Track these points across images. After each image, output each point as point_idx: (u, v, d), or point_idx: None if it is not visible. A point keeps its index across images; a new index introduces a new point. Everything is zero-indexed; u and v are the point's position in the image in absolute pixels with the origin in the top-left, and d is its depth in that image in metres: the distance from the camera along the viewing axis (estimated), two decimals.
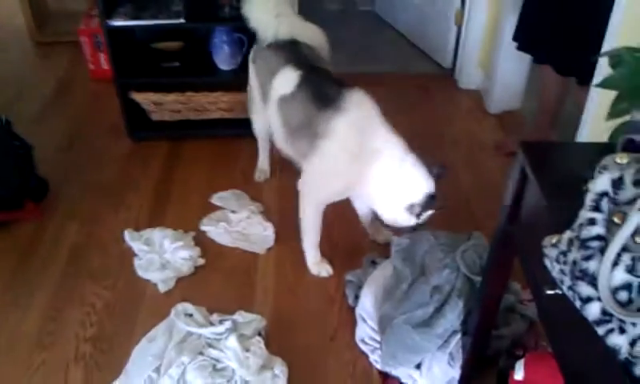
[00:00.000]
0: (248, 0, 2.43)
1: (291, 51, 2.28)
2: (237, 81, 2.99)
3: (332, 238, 2.36)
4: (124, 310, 2.22)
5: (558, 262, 1.11)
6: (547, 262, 1.15)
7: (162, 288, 2.29)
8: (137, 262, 2.38)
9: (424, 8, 3.76)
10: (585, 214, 1.07)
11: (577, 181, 1.30)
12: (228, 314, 2.14)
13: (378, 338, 2.00)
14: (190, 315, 2.12)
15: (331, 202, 2.22)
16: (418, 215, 2.03)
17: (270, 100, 2.27)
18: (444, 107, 3.43)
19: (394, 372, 1.96)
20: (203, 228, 2.55)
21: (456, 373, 1.89)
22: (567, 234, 1.11)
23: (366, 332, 2.05)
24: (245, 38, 2.90)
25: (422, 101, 3.44)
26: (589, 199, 1.07)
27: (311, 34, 2.36)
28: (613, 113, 1.39)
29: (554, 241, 1.15)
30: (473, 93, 3.51)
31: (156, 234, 2.47)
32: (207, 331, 2.05)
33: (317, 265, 2.35)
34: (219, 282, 2.34)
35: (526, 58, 3.00)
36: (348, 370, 2.04)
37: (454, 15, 3.48)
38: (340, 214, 2.32)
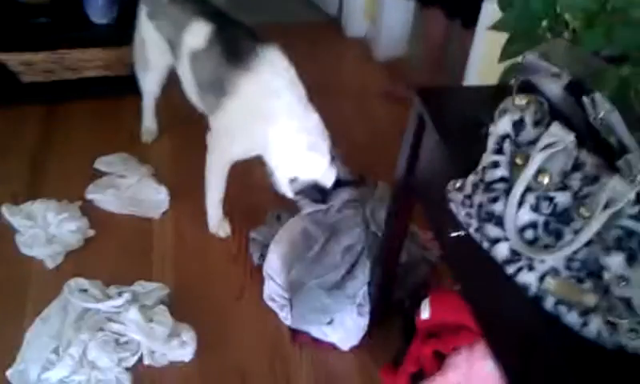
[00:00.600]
0: None
1: (200, 3, 2.15)
2: (114, 35, 2.81)
3: (230, 194, 2.29)
4: (10, 292, 2.05)
5: (463, 205, 1.13)
6: (452, 207, 1.18)
7: (50, 264, 2.14)
8: (19, 239, 2.20)
9: None
10: (488, 157, 1.09)
11: (474, 124, 1.33)
12: (126, 286, 2.03)
13: (287, 296, 1.98)
14: (85, 290, 2.00)
15: (239, 160, 2.15)
16: (297, 194, 1.99)
17: (182, 55, 2.15)
18: (331, 57, 3.41)
19: (305, 328, 1.96)
20: (90, 196, 2.39)
21: (366, 321, 1.92)
22: (471, 178, 1.13)
23: (274, 289, 2.03)
24: None
25: (309, 51, 3.37)
26: (491, 142, 1.09)
27: None
28: (505, 55, 1.42)
29: (457, 185, 1.17)
30: (360, 41, 3.51)
31: (37, 206, 2.29)
32: (106, 306, 1.95)
33: (216, 225, 2.28)
34: (113, 252, 2.22)
35: (410, 3, 3.02)
36: (257, 328, 2.02)
37: None
38: (237, 169, 2.26)
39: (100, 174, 2.49)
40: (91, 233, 2.26)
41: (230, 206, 2.35)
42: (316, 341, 1.98)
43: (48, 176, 2.48)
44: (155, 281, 2.08)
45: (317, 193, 1.97)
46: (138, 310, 1.92)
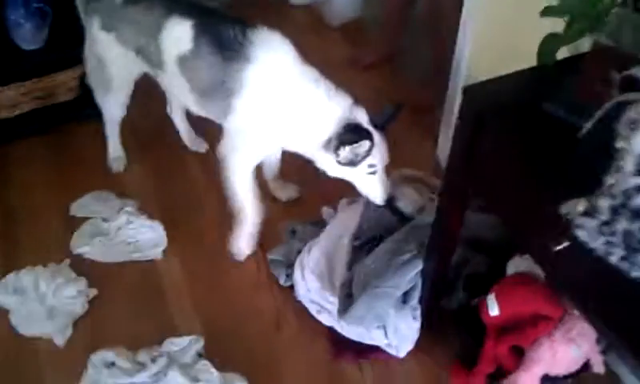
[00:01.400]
0: None
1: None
2: (49, 60, 2.47)
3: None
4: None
5: (601, 233, 1.04)
6: (579, 234, 1.08)
7: (60, 340, 1.91)
8: (14, 320, 1.94)
9: None
10: (628, 179, 0.99)
11: (542, 119, 1.24)
12: (156, 346, 1.84)
13: (331, 299, 1.88)
14: (113, 364, 1.79)
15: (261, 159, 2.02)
16: (337, 150, 1.78)
17: (164, 63, 1.90)
18: (281, 28, 3.13)
19: (354, 329, 1.86)
20: (77, 251, 2.13)
21: (419, 323, 1.84)
22: (605, 203, 1.03)
23: (316, 291, 1.91)
24: (48, 7, 2.37)
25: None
26: (629, 163, 0.99)
27: None
28: (568, 38, 1.31)
29: (582, 209, 1.07)
30: (307, 7, 3.27)
31: (24, 277, 2.02)
32: (142, 378, 1.76)
33: (245, 247, 2.10)
34: (124, 309, 2.01)
35: None
36: (307, 356, 1.91)
37: None
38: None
39: (79, 222, 2.22)
40: (94, 292, 2.03)
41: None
42: (364, 351, 1.88)
43: (19, 239, 2.18)
44: (183, 332, 1.90)
45: (355, 134, 1.77)
46: (178, 372, 1.75)
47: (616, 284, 1.06)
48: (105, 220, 2.21)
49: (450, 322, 1.89)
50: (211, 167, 2.14)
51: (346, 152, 1.77)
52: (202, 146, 2.45)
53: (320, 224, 2.07)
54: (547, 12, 1.33)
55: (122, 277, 2.09)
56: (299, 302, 1.98)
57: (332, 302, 1.87)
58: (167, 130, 2.27)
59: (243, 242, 2.08)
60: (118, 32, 1.94)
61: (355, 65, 2.88)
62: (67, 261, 2.10)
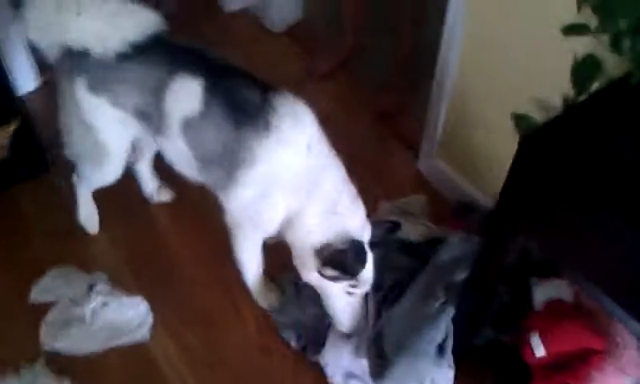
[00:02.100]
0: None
1: (171, 50, 1.63)
2: None
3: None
4: None
5: None
6: None
7: None
8: None
9: None
10: None
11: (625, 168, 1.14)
12: None
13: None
14: None
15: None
16: (327, 264, 1.59)
17: (167, 128, 1.64)
18: (219, 39, 2.84)
19: None
20: (51, 346, 1.85)
21: (453, 371, 1.73)
22: None
23: (350, 364, 1.75)
24: None
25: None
26: None
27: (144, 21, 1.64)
28: None
29: None
30: (244, 13, 3.01)
31: None
32: None
33: (264, 294, 1.93)
34: None
35: None
36: None
37: None
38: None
39: (43, 309, 1.92)
40: None
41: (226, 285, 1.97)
42: None
43: None
44: None
45: (355, 257, 1.60)
46: None
47: None
48: (73, 302, 1.93)
49: (479, 360, 1.78)
50: (180, 214, 2.03)
51: (334, 272, 1.59)
52: (167, 195, 2.19)
53: None
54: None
55: (109, 369, 1.84)
56: (315, 365, 1.81)
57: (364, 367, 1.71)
58: (124, 182, 1.98)
59: (259, 296, 1.95)
60: (111, 93, 1.65)
61: (311, 76, 2.68)
62: (41, 360, 1.81)
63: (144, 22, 1.62)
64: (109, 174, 1.88)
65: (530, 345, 1.61)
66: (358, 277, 1.61)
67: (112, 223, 2.15)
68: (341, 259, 1.58)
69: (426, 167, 2.31)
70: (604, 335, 1.57)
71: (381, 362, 1.69)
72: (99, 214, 2.13)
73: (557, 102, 1.63)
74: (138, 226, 2.16)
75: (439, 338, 1.67)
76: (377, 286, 1.75)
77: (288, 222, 1.64)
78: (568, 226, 1.22)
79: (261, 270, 1.87)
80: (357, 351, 1.74)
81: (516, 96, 1.78)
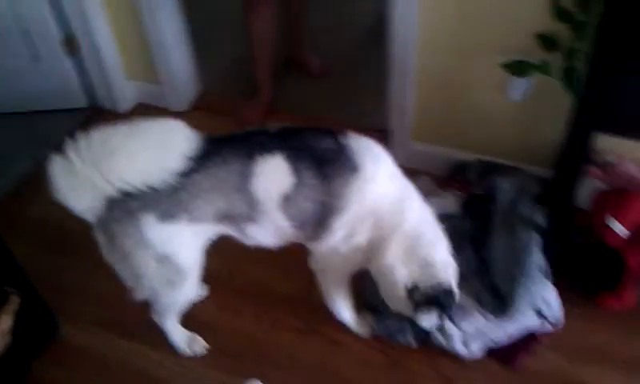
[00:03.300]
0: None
1: (229, 146, 1.53)
2: None
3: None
4: None
5: None
6: None
7: None
8: None
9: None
10: None
11: None
12: None
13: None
14: None
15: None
16: (418, 306, 1.61)
17: (263, 213, 1.54)
18: None
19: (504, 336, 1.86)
20: None
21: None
22: None
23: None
24: None
25: None
26: None
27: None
28: None
29: None
30: (141, 106, 2.89)
31: None
32: None
33: (362, 324, 1.93)
34: None
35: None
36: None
37: (62, 45, 2.65)
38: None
39: None
40: None
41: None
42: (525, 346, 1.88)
43: None
44: None
45: (443, 300, 1.62)
46: None
47: None
48: None
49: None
50: None
51: (432, 317, 1.63)
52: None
53: None
54: None
55: None
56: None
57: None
58: None
59: (349, 322, 1.93)
60: (187, 212, 1.49)
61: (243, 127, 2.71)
62: None
63: (185, 134, 1.52)
64: (191, 291, 1.72)
65: (611, 228, 1.85)
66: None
67: None
68: (433, 300, 1.61)
69: (405, 153, 2.33)
70: None
71: (498, 301, 1.85)
72: None
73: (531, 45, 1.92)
74: None
75: (539, 261, 1.86)
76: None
77: (373, 253, 1.64)
78: None
79: (350, 302, 1.88)
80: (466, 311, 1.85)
81: (484, 51, 2.03)
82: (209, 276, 1.81)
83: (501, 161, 2.23)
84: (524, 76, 1.96)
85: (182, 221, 1.50)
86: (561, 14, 1.82)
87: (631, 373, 1.82)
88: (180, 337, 1.89)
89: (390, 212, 1.60)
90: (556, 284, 1.93)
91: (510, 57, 1.95)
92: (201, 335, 1.94)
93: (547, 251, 1.93)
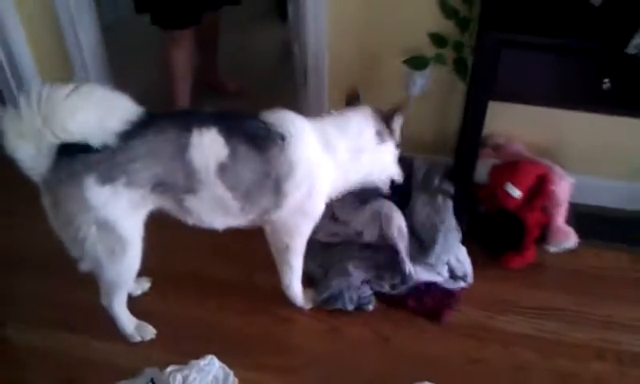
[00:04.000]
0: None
1: (168, 119, 1.67)
2: None
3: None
4: None
5: None
6: None
7: None
8: None
9: None
10: None
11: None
12: None
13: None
14: None
15: None
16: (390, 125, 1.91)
17: (201, 183, 1.66)
18: None
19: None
20: None
21: None
22: None
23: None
24: None
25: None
26: None
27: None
28: None
29: None
30: None
31: None
32: None
33: (305, 297, 2.10)
34: None
35: None
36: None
37: None
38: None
39: None
40: None
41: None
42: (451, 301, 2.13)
43: None
44: None
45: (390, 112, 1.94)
46: None
47: None
48: None
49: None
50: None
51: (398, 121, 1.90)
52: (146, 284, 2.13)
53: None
54: None
55: None
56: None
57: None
58: None
59: (299, 298, 2.08)
60: (125, 175, 1.59)
61: None
62: None
63: (127, 103, 1.64)
64: (133, 265, 1.78)
65: (508, 193, 2.17)
66: None
67: None
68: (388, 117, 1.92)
69: None
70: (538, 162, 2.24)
71: (423, 250, 2.14)
72: None
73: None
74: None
75: (454, 222, 2.16)
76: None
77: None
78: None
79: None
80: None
81: (387, 53, 2.31)
82: (149, 270, 1.92)
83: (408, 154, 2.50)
84: (423, 69, 2.26)
85: (120, 184, 1.60)
86: (448, 11, 2.14)
87: (537, 317, 2.10)
88: (128, 322, 1.95)
89: (332, 146, 1.83)
90: (466, 249, 2.22)
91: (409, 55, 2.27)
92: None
93: (457, 221, 2.21)
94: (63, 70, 2.70)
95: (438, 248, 2.10)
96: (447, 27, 2.18)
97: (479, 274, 2.20)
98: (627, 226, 2.43)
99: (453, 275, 2.16)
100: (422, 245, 2.17)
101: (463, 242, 2.22)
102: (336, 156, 1.83)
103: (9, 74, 2.68)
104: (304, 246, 1.96)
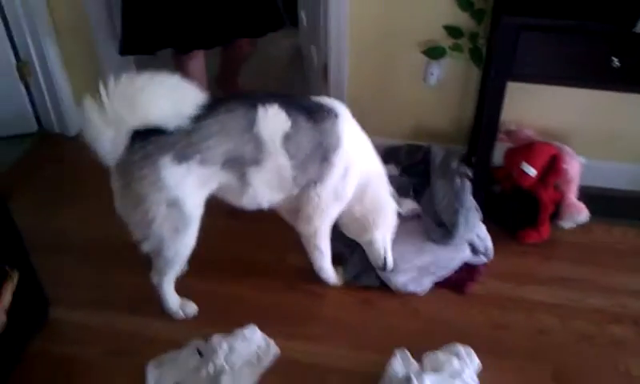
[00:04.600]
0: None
1: (232, 100, 1.81)
2: None
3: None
4: None
5: None
6: None
7: None
8: None
9: None
10: None
11: None
12: None
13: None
14: None
15: None
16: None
17: (268, 153, 1.81)
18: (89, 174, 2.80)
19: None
20: None
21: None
22: None
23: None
24: None
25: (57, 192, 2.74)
26: None
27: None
28: None
29: None
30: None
31: None
32: None
33: (338, 275, 2.22)
34: None
35: None
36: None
37: (17, 71, 2.80)
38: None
39: None
40: None
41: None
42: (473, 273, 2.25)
43: None
44: None
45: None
46: None
47: None
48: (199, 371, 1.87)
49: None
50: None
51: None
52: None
53: None
54: None
55: None
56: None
57: None
58: None
59: (332, 277, 2.19)
60: (199, 153, 1.71)
61: None
62: None
63: (195, 90, 1.75)
64: (190, 243, 1.89)
65: (524, 171, 2.31)
66: None
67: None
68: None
69: None
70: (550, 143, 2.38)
71: (443, 230, 2.23)
72: None
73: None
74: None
75: (473, 202, 2.28)
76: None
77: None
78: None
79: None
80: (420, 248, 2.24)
81: (405, 46, 2.47)
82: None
83: (424, 143, 2.65)
84: (440, 58, 2.40)
85: (194, 162, 1.72)
86: (464, 4, 2.29)
87: (554, 286, 2.22)
88: (174, 300, 2.05)
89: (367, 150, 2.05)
90: (485, 227, 2.35)
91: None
92: None
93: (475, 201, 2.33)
94: (92, 79, 2.82)
95: (461, 229, 2.20)
96: (463, 19, 2.33)
97: (499, 250, 2.32)
98: (635, 204, 2.56)
99: (474, 250, 2.27)
100: (443, 225, 2.27)
101: (482, 221, 2.35)
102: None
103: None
104: (330, 230, 2.09)
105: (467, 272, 2.24)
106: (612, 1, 1.94)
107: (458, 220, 2.20)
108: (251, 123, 1.77)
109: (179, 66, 2.59)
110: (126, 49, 2.52)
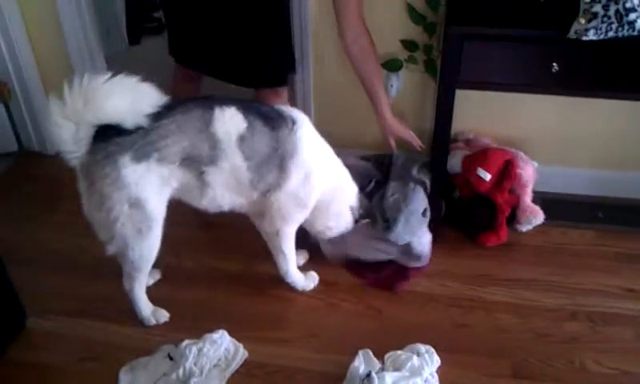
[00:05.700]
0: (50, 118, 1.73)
1: (190, 102, 1.89)
2: None
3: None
4: None
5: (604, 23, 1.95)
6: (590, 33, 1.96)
7: None
8: None
9: None
10: None
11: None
12: None
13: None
14: None
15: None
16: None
17: (224, 152, 1.89)
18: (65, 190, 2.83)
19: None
20: None
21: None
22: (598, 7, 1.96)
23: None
24: None
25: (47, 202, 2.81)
26: None
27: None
28: None
29: (582, 21, 1.95)
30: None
31: None
32: None
33: (304, 280, 2.29)
34: None
35: None
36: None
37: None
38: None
39: None
40: None
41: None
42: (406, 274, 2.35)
43: None
44: None
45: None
46: None
47: None
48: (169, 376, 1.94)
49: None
50: None
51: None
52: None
53: None
54: None
55: None
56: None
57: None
58: None
59: (300, 282, 2.28)
60: (157, 152, 1.80)
61: None
62: None
63: (154, 90, 1.83)
64: (155, 244, 1.95)
65: (479, 176, 2.41)
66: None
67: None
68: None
69: None
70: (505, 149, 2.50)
71: (387, 224, 2.31)
72: None
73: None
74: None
75: (423, 205, 2.36)
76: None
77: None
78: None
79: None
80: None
81: None
82: (158, 263, 2.08)
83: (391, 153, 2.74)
84: (398, 70, 2.53)
85: (153, 160, 1.80)
86: (416, 18, 2.42)
87: (514, 287, 2.32)
88: (146, 307, 2.12)
89: (326, 156, 2.12)
90: (443, 234, 2.47)
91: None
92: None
93: (433, 210, 2.42)
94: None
95: (399, 227, 2.29)
96: (417, 33, 2.46)
97: (460, 253, 2.45)
98: (589, 208, 2.68)
99: (408, 253, 2.34)
100: (387, 220, 2.36)
101: (442, 226, 2.45)
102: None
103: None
104: (294, 233, 2.18)
105: (399, 271, 2.34)
106: (551, 9, 2.05)
107: (398, 218, 2.29)
108: (207, 122, 1.86)
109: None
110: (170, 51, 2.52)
